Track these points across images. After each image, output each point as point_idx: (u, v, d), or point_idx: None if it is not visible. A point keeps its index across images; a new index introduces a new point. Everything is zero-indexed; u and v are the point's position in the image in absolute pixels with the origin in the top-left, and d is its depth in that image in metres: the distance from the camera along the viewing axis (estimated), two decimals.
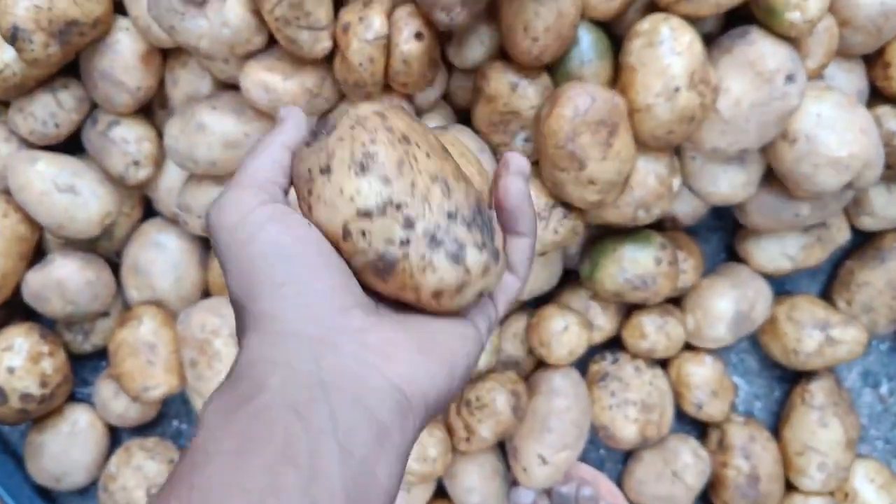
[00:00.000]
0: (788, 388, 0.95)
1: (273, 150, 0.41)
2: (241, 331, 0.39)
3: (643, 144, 0.74)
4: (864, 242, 0.93)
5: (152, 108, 0.86)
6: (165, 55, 0.83)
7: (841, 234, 0.90)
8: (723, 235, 0.96)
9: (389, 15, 0.70)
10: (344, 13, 0.70)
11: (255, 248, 0.37)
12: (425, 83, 0.73)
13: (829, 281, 0.96)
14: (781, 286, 0.96)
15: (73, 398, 0.93)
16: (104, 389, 0.88)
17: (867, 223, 0.89)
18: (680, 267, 0.86)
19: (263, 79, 0.70)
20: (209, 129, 0.74)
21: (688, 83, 0.69)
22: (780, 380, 0.96)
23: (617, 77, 0.75)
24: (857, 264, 0.90)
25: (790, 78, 0.71)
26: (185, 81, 0.81)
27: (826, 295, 0.95)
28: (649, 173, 0.76)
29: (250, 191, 0.39)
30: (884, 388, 0.96)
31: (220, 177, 0.79)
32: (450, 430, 0.83)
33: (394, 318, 0.39)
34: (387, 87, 0.74)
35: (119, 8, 0.80)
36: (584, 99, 0.68)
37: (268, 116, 0.75)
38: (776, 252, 0.89)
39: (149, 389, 0.83)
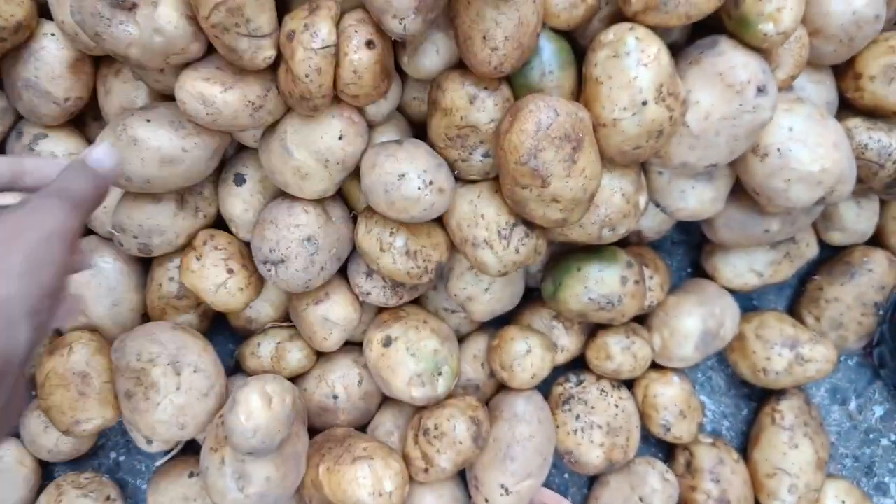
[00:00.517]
0: (756, 407, 0.93)
1: None
2: None
3: (609, 160, 0.70)
4: (831, 257, 0.90)
5: (84, 120, 0.80)
6: (97, 63, 0.76)
7: (810, 250, 0.88)
8: (688, 250, 0.93)
9: (338, 22, 0.65)
10: (288, 20, 0.65)
11: None
12: (378, 95, 0.68)
13: (796, 296, 0.93)
14: (748, 301, 0.93)
15: None
16: (32, 423, 0.82)
17: (837, 238, 0.87)
18: (646, 284, 0.82)
19: (201, 90, 0.65)
20: (143, 143, 0.68)
21: (655, 96, 0.65)
22: (748, 398, 0.93)
23: (580, 89, 0.71)
24: (826, 280, 0.88)
25: (762, 90, 0.68)
26: (119, 91, 0.75)
27: (793, 310, 0.93)
28: (615, 191, 0.72)
29: None
30: (852, 405, 0.94)
31: (157, 194, 0.74)
32: (406, 460, 0.79)
33: None
34: (336, 99, 0.69)
35: (44, 11, 0.73)
36: (546, 113, 0.64)
37: (208, 131, 0.70)
38: (744, 268, 0.87)
39: (80, 423, 0.76)
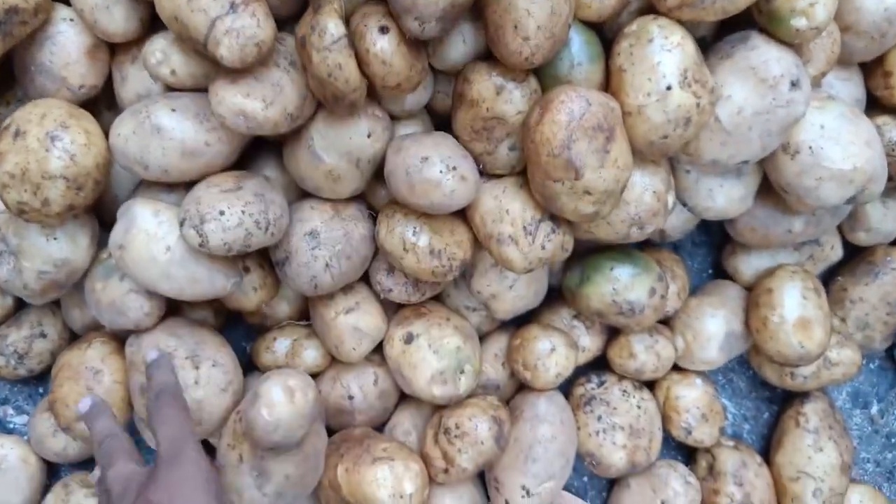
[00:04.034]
0: (778, 410, 0.91)
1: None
2: None
3: (638, 153, 0.69)
4: (852, 257, 0.89)
5: (98, 109, 0.78)
6: (113, 50, 0.75)
7: (834, 252, 0.87)
8: (709, 250, 0.92)
9: (348, 18, 0.64)
10: (297, 30, 0.64)
11: None
12: (418, 75, 0.66)
13: None
14: None
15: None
16: (41, 424, 0.79)
17: (862, 238, 0.85)
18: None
19: (242, 107, 0.64)
20: (166, 133, 0.67)
21: (680, 81, 0.64)
22: (769, 401, 0.92)
23: (607, 83, 0.70)
24: (850, 280, 0.87)
25: (795, 84, 0.67)
26: (136, 79, 0.73)
27: None
28: (646, 189, 0.70)
29: None
30: (874, 409, 0.92)
31: (173, 184, 0.72)
32: (425, 460, 0.77)
33: None
34: (369, 95, 0.68)
35: None
36: (579, 103, 0.63)
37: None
38: (765, 269, 0.85)
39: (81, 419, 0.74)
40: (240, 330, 0.86)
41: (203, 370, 0.72)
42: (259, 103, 0.64)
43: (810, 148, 0.70)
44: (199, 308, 0.79)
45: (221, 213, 0.65)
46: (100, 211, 0.78)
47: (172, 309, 0.78)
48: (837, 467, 0.83)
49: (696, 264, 0.91)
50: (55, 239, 0.72)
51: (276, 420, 0.63)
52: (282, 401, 0.63)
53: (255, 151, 0.78)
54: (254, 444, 0.65)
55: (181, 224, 0.65)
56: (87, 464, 0.84)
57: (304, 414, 0.64)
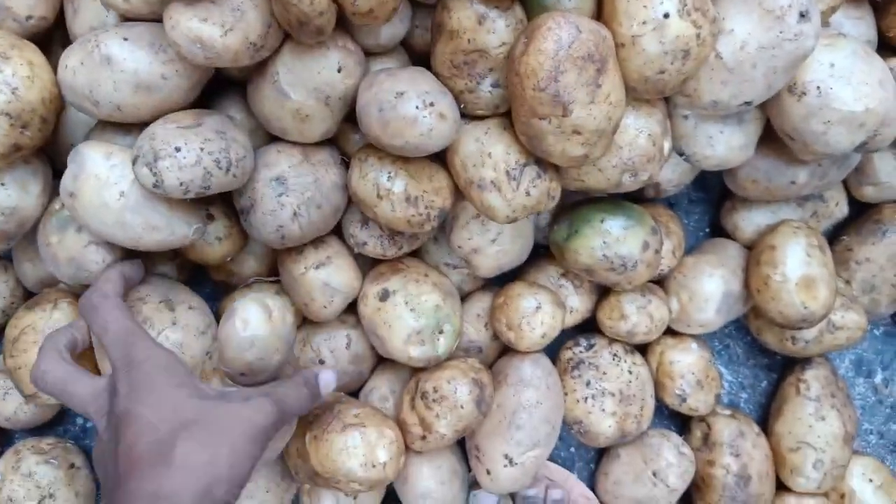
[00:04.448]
0: (777, 378, 0.86)
1: None
2: None
3: (631, 91, 0.63)
4: (858, 216, 0.84)
5: (51, 48, 0.72)
6: None
7: (839, 209, 0.82)
8: (706, 208, 0.87)
9: None
10: None
11: None
12: (393, 2, 0.60)
13: None
14: None
15: None
16: None
17: (870, 193, 0.80)
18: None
19: (198, 33, 0.57)
20: (117, 64, 0.61)
21: (679, 9, 0.58)
22: (767, 369, 0.87)
23: (599, 13, 0.64)
24: (856, 240, 0.82)
25: (804, 15, 0.61)
26: (90, 10, 0.67)
27: None
28: (640, 132, 0.65)
29: None
30: (878, 378, 0.87)
31: (127, 125, 0.66)
32: (402, 427, 0.72)
33: None
34: (341, 27, 0.62)
35: None
36: (568, 30, 0.57)
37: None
38: (766, 226, 0.80)
39: None
40: (206, 291, 0.80)
41: (179, 312, 0.67)
42: (217, 29, 0.58)
43: (818, 88, 0.65)
44: (161, 262, 0.74)
45: (178, 149, 0.59)
46: (54, 161, 0.72)
47: None
48: (840, 437, 0.78)
49: (692, 223, 0.86)
50: (3, 185, 0.67)
51: (252, 337, 0.58)
52: (259, 318, 0.58)
53: (219, 96, 0.72)
54: (224, 374, 0.60)
55: (133, 162, 0.60)
56: (39, 429, 0.79)
57: (280, 336, 0.59)
